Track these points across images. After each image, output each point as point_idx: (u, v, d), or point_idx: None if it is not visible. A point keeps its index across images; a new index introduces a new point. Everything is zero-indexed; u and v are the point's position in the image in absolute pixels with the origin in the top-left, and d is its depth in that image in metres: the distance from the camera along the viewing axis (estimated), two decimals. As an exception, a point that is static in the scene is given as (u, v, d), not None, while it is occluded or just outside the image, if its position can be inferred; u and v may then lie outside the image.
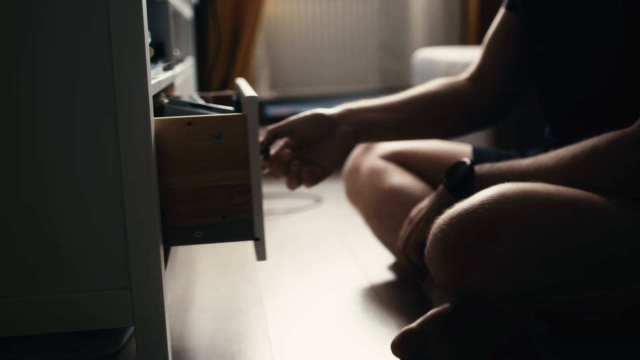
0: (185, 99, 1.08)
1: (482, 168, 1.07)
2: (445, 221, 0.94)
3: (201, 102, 1.08)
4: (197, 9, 2.52)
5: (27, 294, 0.86)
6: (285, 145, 1.16)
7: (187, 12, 2.08)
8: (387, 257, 1.50)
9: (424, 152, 1.41)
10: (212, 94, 1.31)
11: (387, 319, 1.19)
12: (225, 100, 1.32)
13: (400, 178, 1.35)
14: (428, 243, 0.96)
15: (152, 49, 1.26)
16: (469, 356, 0.97)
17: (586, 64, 1.10)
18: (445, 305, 1.01)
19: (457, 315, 0.99)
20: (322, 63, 2.83)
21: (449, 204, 0.96)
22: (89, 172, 0.85)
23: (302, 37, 2.81)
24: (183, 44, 1.95)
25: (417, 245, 1.13)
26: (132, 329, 1.12)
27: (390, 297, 1.29)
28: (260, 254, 0.92)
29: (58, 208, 0.85)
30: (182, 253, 1.60)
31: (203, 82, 2.54)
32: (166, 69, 1.28)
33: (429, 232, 0.96)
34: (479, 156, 1.35)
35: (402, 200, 1.30)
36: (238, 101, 1.14)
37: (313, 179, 1.17)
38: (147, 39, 0.85)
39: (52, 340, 1.09)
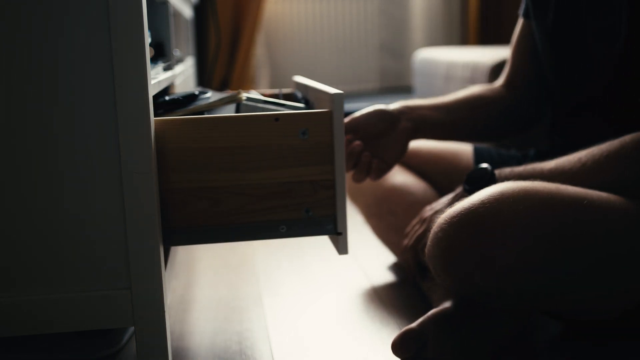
0: (257, 96, 1.10)
1: (503, 172, 1.07)
2: (446, 220, 0.94)
3: (272, 99, 1.09)
4: (197, 9, 2.52)
5: (27, 294, 0.87)
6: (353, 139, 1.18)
7: (187, 12, 2.08)
8: (387, 257, 1.50)
9: (426, 151, 1.41)
10: (267, 91, 1.31)
11: (387, 319, 1.19)
12: (289, 98, 1.33)
13: (401, 177, 1.35)
14: (429, 242, 0.97)
15: (152, 49, 1.26)
16: (469, 356, 0.97)
17: (586, 64, 1.10)
18: (446, 305, 1.01)
19: (457, 315, 0.99)
20: (322, 63, 2.83)
21: None
22: (89, 171, 0.85)
23: (302, 37, 2.81)
24: (183, 44, 1.95)
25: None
26: (132, 329, 1.12)
27: (390, 297, 1.29)
28: (342, 248, 0.93)
29: (58, 208, 0.85)
30: (182, 253, 1.60)
31: (203, 82, 2.54)
32: (166, 69, 1.28)
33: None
34: (480, 156, 1.35)
35: (403, 199, 1.30)
36: (306, 98, 1.16)
37: (378, 173, 1.19)
38: (147, 39, 0.85)
39: (52, 340, 1.09)
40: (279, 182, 0.90)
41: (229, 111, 1.06)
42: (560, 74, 1.17)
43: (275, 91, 1.31)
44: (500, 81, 1.35)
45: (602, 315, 1.02)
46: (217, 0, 2.51)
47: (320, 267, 1.47)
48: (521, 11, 1.30)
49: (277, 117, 0.89)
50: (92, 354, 1.05)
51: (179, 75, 1.45)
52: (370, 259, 1.52)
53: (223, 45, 2.55)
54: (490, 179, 1.06)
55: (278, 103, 1.07)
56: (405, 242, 1.20)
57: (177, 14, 1.81)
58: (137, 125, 0.83)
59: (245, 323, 1.19)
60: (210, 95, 1.09)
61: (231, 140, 0.88)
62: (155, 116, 0.93)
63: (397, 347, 0.98)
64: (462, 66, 2.01)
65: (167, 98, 1.05)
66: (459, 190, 1.12)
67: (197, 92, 1.06)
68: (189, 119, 0.89)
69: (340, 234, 0.92)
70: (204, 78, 2.55)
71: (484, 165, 1.09)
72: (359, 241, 1.63)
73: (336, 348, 1.08)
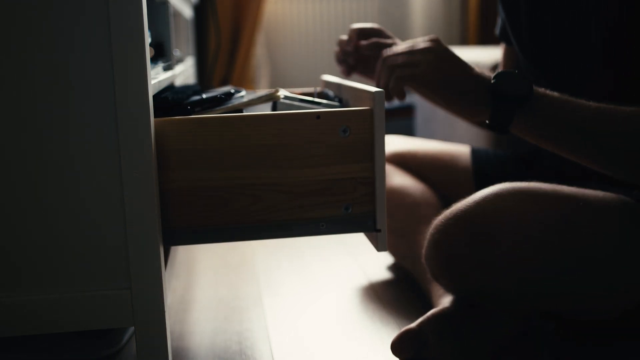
0: (291, 94, 1.11)
1: (540, 89, 0.94)
2: (442, 221, 0.94)
3: (308, 98, 1.10)
4: (197, 9, 2.52)
5: (27, 293, 0.87)
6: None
7: (187, 12, 2.08)
8: (387, 258, 1.50)
9: (424, 153, 1.41)
10: (297, 90, 1.32)
11: (387, 319, 1.19)
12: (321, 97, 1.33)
13: (400, 179, 1.36)
14: (426, 244, 0.97)
15: (152, 49, 1.26)
16: (468, 356, 0.97)
17: (564, 80, 1.10)
18: (445, 306, 1.01)
19: (456, 316, 0.99)
20: (322, 63, 2.83)
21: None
22: (89, 171, 0.85)
23: (302, 37, 2.81)
24: (183, 44, 1.95)
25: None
26: (132, 329, 1.12)
27: (390, 297, 1.29)
28: (381, 245, 0.94)
29: (58, 208, 0.85)
30: (182, 253, 1.60)
31: (203, 82, 2.54)
32: (166, 69, 1.28)
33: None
34: (478, 157, 1.36)
35: (402, 201, 1.30)
36: (338, 97, 1.16)
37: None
38: (147, 39, 0.85)
39: (52, 341, 1.09)
40: (319, 180, 0.91)
41: (263, 109, 1.07)
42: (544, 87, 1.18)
43: (310, 90, 1.32)
44: None
45: (602, 315, 1.02)
46: (217, 0, 2.51)
47: (320, 267, 1.47)
48: (497, 31, 1.31)
49: (318, 115, 0.90)
50: (92, 354, 1.05)
51: (179, 75, 1.45)
52: (370, 259, 1.52)
53: (223, 45, 2.55)
54: (529, 87, 0.92)
55: (314, 101, 1.08)
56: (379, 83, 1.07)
57: (177, 14, 1.81)
58: (137, 125, 0.83)
59: (245, 323, 1.19)
60: (244, 94, 1.10)
61: (271, 138, 0.89)
62: (193, 114, 0.94)
63: (396, 347, 0.98)
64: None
65: (204, 96, 1.06)
66: (479, 74, 0.96)
67: (232, 91, 1.07)
68: (230, 117, 0.89)
69: (379, 230, 0.92)
70: (204, 78, 2.55)
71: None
72: (359, 241, 1.63)
73: (336, 348, 1.08)
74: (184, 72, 1.61)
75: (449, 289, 0.98)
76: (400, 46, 1.02)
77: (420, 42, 1.00)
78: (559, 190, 0.94)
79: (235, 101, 1.03)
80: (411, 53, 0.98)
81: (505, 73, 0.92)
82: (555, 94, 0.92)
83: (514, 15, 1.19)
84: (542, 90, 0.92)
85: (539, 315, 1.12)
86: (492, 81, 0.92)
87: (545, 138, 0.93)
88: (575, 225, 0.90)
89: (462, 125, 1.92)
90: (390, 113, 2.49)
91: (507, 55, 1.33)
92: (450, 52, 0.97)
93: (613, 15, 0.99)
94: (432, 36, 0.99)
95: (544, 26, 1.12)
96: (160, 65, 1.25)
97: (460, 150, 1.39)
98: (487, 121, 0.94)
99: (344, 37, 1.26)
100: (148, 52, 0.84)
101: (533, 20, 1.14)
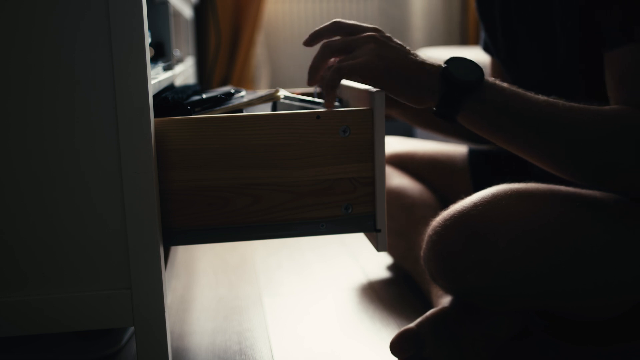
0: (291, 94, 1.11)
1: (490, 79, 0.91)
2: (440, 223, 0.94)
3: (308, 98, 1.11)
4: (197, 9, 2.52)
5: (27, 294, 0.87)
6: None
7: (187, 12, 2.08)
8: (387, 258, 1.50)
9: (421, 154, 1.42)
10: (297, 90, 1.32)
11: (387, 319, 1.19)
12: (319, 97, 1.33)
13: (398, 180, 1.36)
14: (424, 245, 0.97)
15: (152, 49, 1.26)
16: (468, 356, 0.98)
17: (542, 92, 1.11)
18: (444, 306, 1.01)
19: (455, 316, 0.99)
20: (322, 63, 2.83)
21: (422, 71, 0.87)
22: (89, 171, 0.85)
23: (302, 37, 2.81)
24: (183, 44, 1.95)
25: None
26: (132, 329, 1.12)
27: (390, 297, 1.29)
28: (381, 245, 0.94)
29: (58, 208, 0.85)
30: (182, 253, 1.60)
31: (203, 82, 2.54)
32: (166, 69, 1.28)
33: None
34: (475, 158, 1.36)
35: (400, 202, 1.31)
36: (339, 97, 1.17)
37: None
38: (147, 39, 0.85)
39: (52, 340, 1.09)
40: (319, 180, 0.91)
41: (263, 109, 1.07)
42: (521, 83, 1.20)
43: (310, 90, 1.32)
44: None
45: (599, 315, 1.02)
46: (217, 0, 2.51)
47: (320, 267, 1.47)
48: (481, 45, 1.33)
49: (318, 115, 0.90)
50: (92, 354, 1.05)
51: (179, 75, 1.45)
52: (370, 259, 1.52)
53: (223, 45, 2.55)
54: (479, 81, 0.88)
55: (314, 101, 1.08)
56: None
57: (177, 14, 1.81)
58: (137, 125, 0.83)
59: (245, 323, 1.19)
60: (244, 94, 1.10)
61: (272, 137, 0.89)
62: (193, 114, 0.94)
63: (395, 347, 0.98)
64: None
65: (204, 96, 1.06)
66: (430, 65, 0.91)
67: (232, 91, 1.07)
68: (231, 117, 0.89)
69: (379, 230, 0.92)
70: (204, 78, 2.55)
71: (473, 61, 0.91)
72: (359, 241, 1.63)
73: (336, 348, 1.08)
74: (184, 72, 1.61)
75: (447, 290, 0.98)
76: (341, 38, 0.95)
77: (361, 32, 0.93)
78: (555, 190, 0.94)
79: (235, 101, 1.03)
80: (350, 41, 0.91)
81: (457, 58, 0.89)
82: (505, 84, 0.90)
83: (490, 24, 1.20)
84: (492, 79, 0.90)
85: (538, 315, 1.13)
86: (444, 65, 0.88)
87: (492, 128, 0.89)
88: (571, 224, 0.90)
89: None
90: (390, 113, 2.49)
91: (493, 67, 1.35)
92: (393, 39, 0.92)
93: (574, 20, 1.00)
94: (373, 26, 0.94)
95: (515, 33, 1.13)
96: (160, 65, 1.25)
97: (458, 151, 1.40)
98: (434, 108, 0.90)
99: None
100: (148, 52, 0.84)
101: (506, 29, 1.15)
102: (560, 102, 0.89)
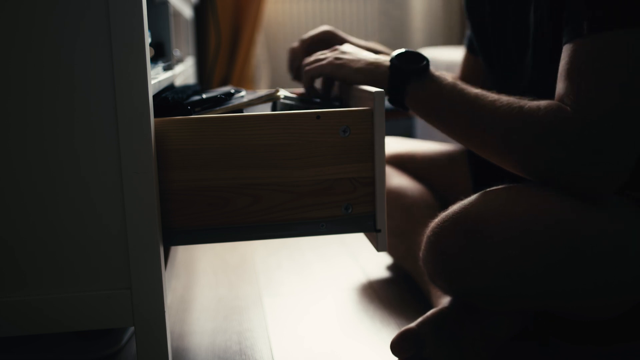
0: (291, 94, 1.11)
1: (435, 72, 1.02)
2: (438, 224, 0.95)
3: (308, 98, 1.11)
4: (197, 9, 2.52)
5: (27, 294, 0.87)
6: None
7: (187, 12, 2.08)
8: (387, 258, 1.50)
9: (421, 154, 1.42)
10: (297, 90, 1.32)
11: (387, 319, 1.19)
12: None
13: (397, 180, 1.36)
14: (423, 246, 0.97)
15: (152, 49, 1.26)
16: (468, 356, 0.98)
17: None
18: (444, 306, 1.01)
19: (455, 316, 0.99)
20: (322, 63, 2.82)
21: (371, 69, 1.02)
22: (89, 171, 0.85)
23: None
24: (183, 44, 1.95)
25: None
26: (132, 329, 1.12)
27: (390, 297, 1.29)
28: (381, 245, 0.94)
29: (58, 208, 0.85)
30: (182, 253, 1.60)
31: (203, 82, 2.54)
32: (166, 69, 1.28)
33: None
34: (474, 158, 1.36)
35: (400, 202, 1.31)
36: (339, 97, 1.17)
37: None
38: (147, 39, 0.85)
39: (52, 341, 1.09)
40: (319, 180, 0.91)
41: (264, 109, 1.07)
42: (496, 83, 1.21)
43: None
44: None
45: (599, 315, 1.02)
46: (217, 0, 2.50)
47: (320, 267, 1.47)
48: (465, 43, 1.36)
49: (318, 115, 0.90)
50: (92, 354, 1.05)
51: (179, 75, 1.45)
52: (370, 259, 1.52)
53: (223, 45, 2.55)
54: (421, 68, 1.00)
55: (314, 102, 1.08)
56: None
57: (177, 14, 1.81)
58: (137, 125, 0.83)
59: (245, 323, 1.19)
60: (244, 94, 1.10)
61: (272, 137, 0.89)
62: (193, 114, 0.94)
63: (395, 347, 0.98)
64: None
65: (204, 96, 1.06)
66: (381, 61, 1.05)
67: (232, 91, 1.07)
68: (231, 117, 0.89)
69: (379, 231, 0.92)
70: (204, 78, 2.55)
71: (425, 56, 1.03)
72: (359, 241, 1.63)
73: (336, 348, 1.08)
74: (184, 72, 1.61)
75: (446, 290, 0.98)
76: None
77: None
78: (553, 191, 0.94)
79: (235, 101, 1.03)
80: (321, 53, 1.13)
81: (405, 51, 1.03)
82: (449, 78, 1.00)
83: (479, 22, 1.21)
84: (438, 72, 1.01)
85: (537, 315, 1.13)
86: (393, 55, 1.03)
87: (432, 115, 1.00)
88: (569, 224, 0.90)
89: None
90: (390, 113, 2.49)
91: (466, 62, 1.39)
92: (356, 48, 1.11)
93: (543, 15, 1.01)
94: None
95: (504, 34, 1.14)
96: (160, 65, 1.25)
97: (457, 151, 1.40)
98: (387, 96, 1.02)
99: (295, 44, 1.30)
100: (148, 52, 0.85)
101: (497, 31, 1.16)
102: (495, 96, 0.95)
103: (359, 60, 1.06)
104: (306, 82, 1.12)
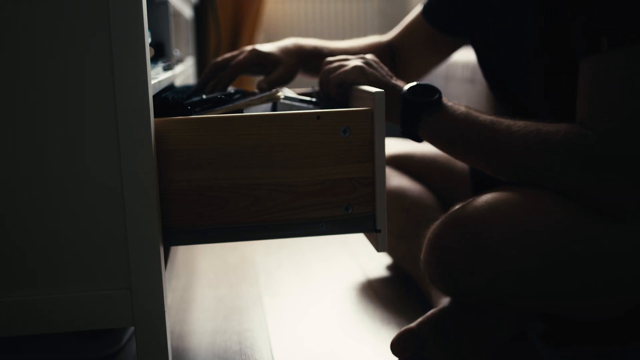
0: (292, 94, 1.11)
1: (448, 102, 1.01)
2: (438, 227, 0.95)
3: (308, 98, 1.11)
4: (197, 9, 2.52)
5: (27, 294, 0.86)
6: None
7: (187, 12, 2.08)
8: (387, 258, 1.50)
9: (421, 155, 1.42)
10: (298, 90, 1.32)
11: (387, 319, 1.19)
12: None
13: (397, 180, 1.36)
14: (424, 248, 0.97)
15: (152, 49, 1.26)
16: (468, 356, 0.98)
17: (518, 78, 1.11)
18: (444, 306, 1.01)
19: (455, 316, 0.99)
20: (322, 63, 2.83)
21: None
22: (89, 171, 0.85)
23: (302, 37, 2.81)
24: (183, 44, 1.95)
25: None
26: (132, 329, 1.12)
27: (391, 297, 1.29)
28: (381, 246, 0.94)
29: (58, 208, 0.85)
30: (182, 253, 1.60)
31: (203, 82, 2.53)
32: (166, 69, 1.28)
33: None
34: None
35: (399, 203, 1.31)
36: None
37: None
38: (147, 39, 0.85)
39: (52, 341, 1.09)
40: (319, 180, 0.91)
41: (263, 109, 1.07)
42: (496, 87, 1.20)
43: (308, 89, 1.32)
44: (389, 36, 1.38)
45: (598, 315, 1.02)
46: (217, 0, 2.50)
47: (320, 267, 1.47)
48: (422, 5, 1.32)
49: (318, 115, 0.90)
50: (92, 354, 1.05)
51: (179, 75, 1.45)
52: (370, 259, 1.52)
53: (223, 45, 2.55)
54: (437, 95, 0.99)
55: (314, 102, 1.08)
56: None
57: (177, 14, 1.81)
58: (137, 125, 0.83)
59: (245, 323, 1.19)
60: (244, 94, 1.10)
61: (272, 137, 0.89)
62: (193, 114, 0.94)
63: (395, 347, 0.99)
64: (462, 66, 2.01)
65: (204, 96, 1.06)
66: (398, 85, 1.04)
67: (232, 91, 1.07)
68: (231, 117, 0.89)
69: (379, 231, 0.92)
70: (204, 78, 2.55)
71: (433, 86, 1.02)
72: (359, 241, 1.63)
73: (336, 348, 1.08)
74: (184, 72, 1.61)
75: (446, 292, 0.98)
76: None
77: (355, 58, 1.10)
78: (555, 195, 0.94)
79: (235, 101, 1.03)
80: (345, 59, 1.10)
81: (418, 84, 1.01)
82: (462, 108, 0.99)
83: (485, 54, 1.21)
84: (451, 103, 1.00)
85: (537, 316, 1.13)
86: (404, 89, 1.01)
87: (445, 144, 1.00)
88: (569, 225, 0.90)
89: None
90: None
91: (413, 25, 1.34)
92: (379, 64, 1.07)
93: (539, 21, 1.00)
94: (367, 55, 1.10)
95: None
96: (160, 65, 1.25)
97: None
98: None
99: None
100: (148, 52, 0.85)
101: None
102: (510, 121, 0.95)
103: (378, 82, 1.03)
104: (332, 88, 1.07)
